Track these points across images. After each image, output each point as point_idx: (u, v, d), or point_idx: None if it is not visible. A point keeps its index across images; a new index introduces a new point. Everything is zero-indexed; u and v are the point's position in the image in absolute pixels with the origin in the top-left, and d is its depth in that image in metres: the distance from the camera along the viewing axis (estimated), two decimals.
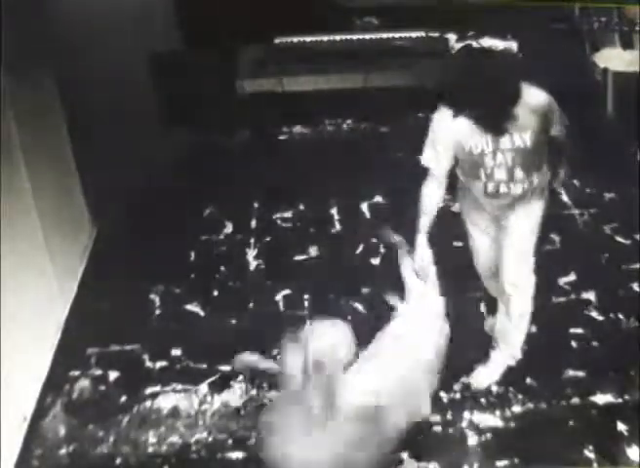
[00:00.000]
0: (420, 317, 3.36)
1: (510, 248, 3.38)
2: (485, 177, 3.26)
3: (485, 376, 3.56)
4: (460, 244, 4.30)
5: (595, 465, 3.16)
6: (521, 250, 3.38)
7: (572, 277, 4.22)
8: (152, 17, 5.90)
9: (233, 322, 4.02)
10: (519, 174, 3.24)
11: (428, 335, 3.28)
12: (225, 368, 3.69)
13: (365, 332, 3.86)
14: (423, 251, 3.36)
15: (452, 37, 6.14)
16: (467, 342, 3.77)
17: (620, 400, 3.45)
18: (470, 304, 4.01)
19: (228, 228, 4.83)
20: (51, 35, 4.22)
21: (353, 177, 5.23)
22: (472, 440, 3.30)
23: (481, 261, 3.61)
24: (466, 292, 4.03)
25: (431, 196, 3.31)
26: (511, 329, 3.50)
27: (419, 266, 3.39)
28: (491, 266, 3.56)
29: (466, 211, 3.54)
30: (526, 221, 3.37)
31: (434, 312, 3.40)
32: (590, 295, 4.08)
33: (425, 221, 3.34)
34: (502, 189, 3.28)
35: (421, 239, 3.34)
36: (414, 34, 6.22)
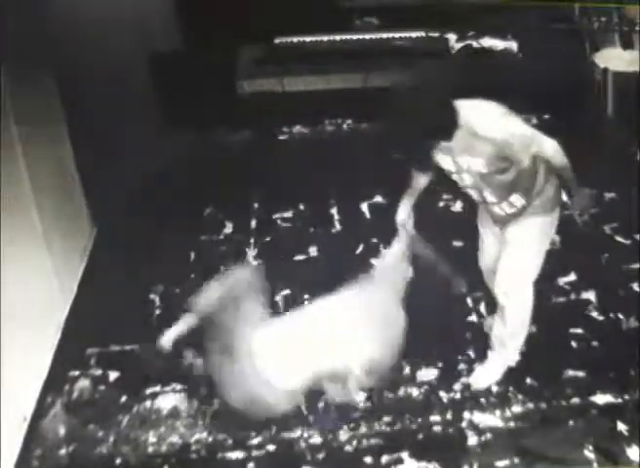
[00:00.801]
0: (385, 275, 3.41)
1: (507, 258, 3.36)
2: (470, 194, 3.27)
3: (484, 377, 3.56)
4: (460, 244, 4.31)
5: (595, 465, 3.16)
6: (517, 261, 3.34)
7: (572, 277, 4.22)
8: (152, 17, 5.91)
9: None
10: (497, 195, 3.19)
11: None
12: None
13: None
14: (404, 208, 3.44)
15: (452, 37, 6.15)
16: (466, 341, 3.79)
17: (619, 400, 3.45)
18: (472, 304, 4.02)
19: (228, 228, 4.83)
20: (51, 35, 4.22)
21: (353, 177, 5.23)
22: (472, 440, 3.30)
23: (484, 259, 3.61)
24: (467, 292, 4.04)
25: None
26: (506, 335, 3.49)
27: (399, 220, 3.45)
28: (492, 267, 3.56)
29: (479, 209, 3.51)
30: (526, 234, 3.31)
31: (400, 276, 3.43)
32: (590, 295, 4.08)
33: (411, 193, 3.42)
34: (493, 207, 3.27)
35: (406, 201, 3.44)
36: (414, 34, 6.23)
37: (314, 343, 3.15)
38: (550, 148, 3.14)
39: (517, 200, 3.23)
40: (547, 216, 3.32)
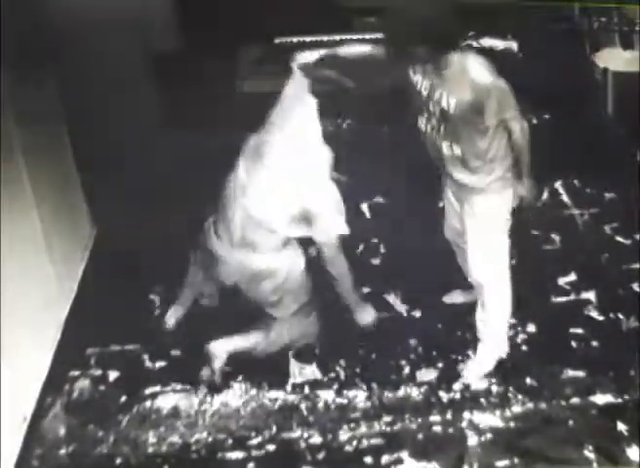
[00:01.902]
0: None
1: (474, 248, 3.44)
2: (426, 117, 3.30)
3: (475, 371, 3.58)
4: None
5: (595, 465, 3.17)
6: (486, 248, 3.43)
7: (572, 277, 4.22)
8: (152, 17, 5.90)
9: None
10: (449, 136, 3.26)
11: None
12: (225, 368, 3.70)
13: (365, 333, 3.89)
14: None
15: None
16: (466, 341, 3.79)
17: (619, 400, 3.46)
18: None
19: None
20: (51, 35, 4.22)
21: (353, 177, 5.22)
22: (472, 440, 3.31)
23: (448, 232, 3.71)
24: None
25: None
26: (489, 322, 3.55)
27: None
28: (455, 239, 3.66)
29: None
30: (487, 215, 3.39)
31: None
32: (590, 295, 4.08)
33: None
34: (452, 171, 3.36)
35: None
36: None
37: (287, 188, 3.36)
38: (519, 124, 3.24)
39: (475, 165, 3.29)
40: (505, 193, 3.38)
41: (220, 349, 3.59)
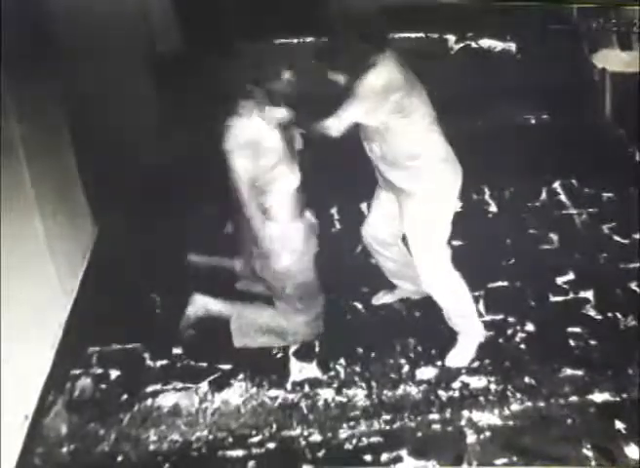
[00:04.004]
0: None
1: (417, 256, 3.55)
2: None
3: (458, 359, 3.67)
4: (460, 243, 4.33)
5: (593, 463, 3.18)
6: (427, 254, 3.52)
7: (570, 276, 4.24)
8: (152, 17, 5.91)
9: None
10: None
11: None
12: (226, 366, 3.72)
13: (365, 332, 3.91)
14: None
15: (451, 38, 6.16)
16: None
17: (617, 398, 3.48)
18: None
19: (229, 228, 4.83)
20: (51, 35, 4.23)
21: (353, 177, 5.24)
22: (471, 438, 3.32)
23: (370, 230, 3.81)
24: None
25: None
26: (453, 314, 3.66)
27: None
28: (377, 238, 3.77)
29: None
30: (420, 218, 3.48)
31: None
32: (588, 295, 4.10)
33: None
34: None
35: None
36: (413, 35, 6.24)
37: None
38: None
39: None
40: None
41: (202, 302, 3.81)
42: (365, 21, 3.34)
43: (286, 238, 3.59)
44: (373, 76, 3.23)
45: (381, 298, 4.09)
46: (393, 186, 3.53)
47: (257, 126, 3.45)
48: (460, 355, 3.68)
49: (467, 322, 3.69)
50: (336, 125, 3.31)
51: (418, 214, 3.47)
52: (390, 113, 3.28)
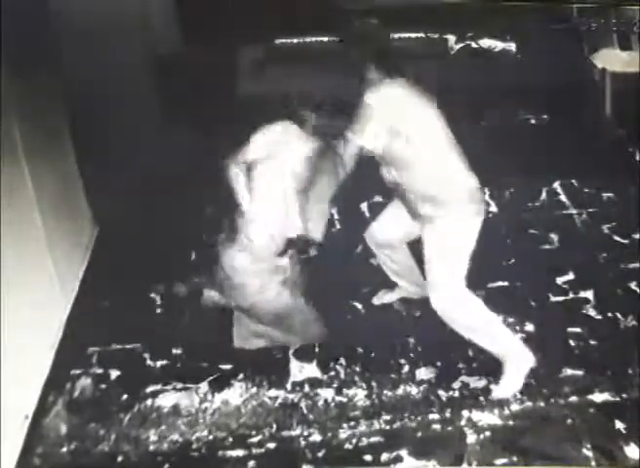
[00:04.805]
0: None
1: (431, 282, 3.41)
2: None
3: (507, 390, 3.50)
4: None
5: (593, 463, 3.18)
6: (443, 279, 3.39)
7: (570, 276, 4.24)
8: (152, 17, 5.91)
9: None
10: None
11: None
12: (226, 366, 3.72)
13: (365, 332, 3.91)
14: None
15: (451, 38, 6.16)
16: (465, 340, 3.80)
17: (617, 398, 3.48)
18: None
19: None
20: (52, 35, 4.23)
21: (353, 177, 5.23)
22: (471, 438, 3.32)
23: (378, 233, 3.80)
24: None
25: None
26: (489, 343, 3.48)
27: None
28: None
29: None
30: (438, 245, 3.38)
31: None
32: (588, 294, 4.10)
33: None
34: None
35: None
36: (413, 35, 6.24)
37: None
38: None
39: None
40: (461, 219, 3.39)
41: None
42: (384, 51, 3.36)
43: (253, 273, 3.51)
44: (370, 95, 3.23)
45: (382, 298, 4.08)
46: (412, 209, 3.46)
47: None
48: (509, 385, 3.50)
49: (507, 350, 3.50)
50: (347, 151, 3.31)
51: (435, 240, 3.38)
52: (389, 136, 3.24)
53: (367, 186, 5.10)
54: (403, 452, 3.27)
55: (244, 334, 3.75)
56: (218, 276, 3.61)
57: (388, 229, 3.75)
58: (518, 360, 3.50)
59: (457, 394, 3.54)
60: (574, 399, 3.48)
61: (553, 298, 4.10)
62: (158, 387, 3.65)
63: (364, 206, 4.99)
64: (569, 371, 3.62)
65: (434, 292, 3.41)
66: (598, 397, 3.48)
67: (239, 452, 3.32)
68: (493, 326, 3.47)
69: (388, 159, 3.36)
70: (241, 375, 3.67)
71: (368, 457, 3.27)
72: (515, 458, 3.22)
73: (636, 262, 4.29)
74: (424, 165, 3.32)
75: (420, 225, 3.46)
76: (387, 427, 3.40)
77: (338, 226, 4.85)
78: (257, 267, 3.47)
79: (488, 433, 3.34)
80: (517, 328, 3.88)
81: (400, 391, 3.58)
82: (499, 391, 3.51)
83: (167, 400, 3.59)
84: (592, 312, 3.99)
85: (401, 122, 3.25)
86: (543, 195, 5.02)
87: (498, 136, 5.46)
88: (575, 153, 5.17)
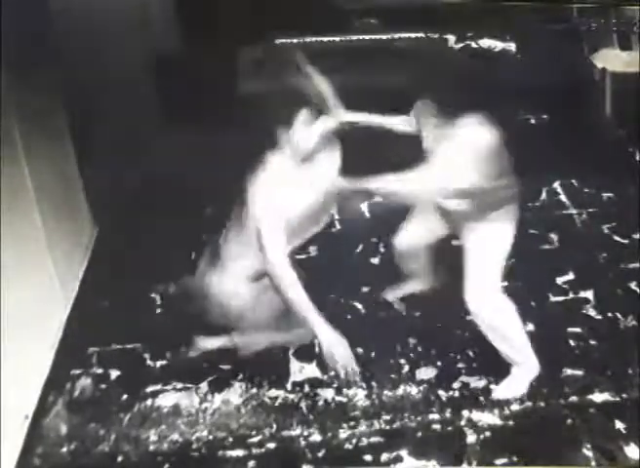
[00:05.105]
0: None
1: (471, 282, 3.39)
2: None
3: (509, 392, 3.51)
4: (459, 243, 4.32)
5: (593, 463, 3.18)
6: (483, 281, 3.38)
7: (570, 276, 4.24)
8: (152, 17, 5.91)
9: None
10: None
11: None
12: (226, 366, 3.72)
13: (365, 332, 3.90)
14: None
15: (451, 38, 6.16)
16: (465, 340, 3.81)
17: (618, 398, 3.47)
18: None
19: None
20: (52, 35, 4.23)
21: (353, 178, 5.23)
22: (471, 438, 3.32)
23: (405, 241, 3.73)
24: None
25: None
26: (505, 348, 3.48)
27: None
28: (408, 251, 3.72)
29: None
30: (487, 244, 3.38)
31: None
32: (588, 294, 4.10)
33: None
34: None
35: None
36: (413, 35, 6.25)
37: None
38: None
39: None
40: (507, 223, 3.40)
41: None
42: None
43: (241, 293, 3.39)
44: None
45: (392, 293, 4.07)
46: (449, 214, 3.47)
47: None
48: (513, 387, 3.51)
49: (520, 354, 3.50)
50: None
51: (476, 244, 3.40)
52: None
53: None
54: (403, 452, 3.26)
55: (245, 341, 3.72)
56: (206, 308, 3.45)
57: (416, 236, 3.73)
58: (528, 367, 3.52)
59: (457, 394, 3.54)
60: (574, 399, 3.48)
61: (553, 298, 4.10)
62: (158, 387, 3.65)
63: (364, 206, 4.99)
64: (569, 371, 3.62)
65: (473, 294, 3.39)
66: (598, 397, 3.48)
67: (239, 452, 3.32)
68: (516, 331, 3.47)
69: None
70: (241, 375, 3.67)
71: (368, 457, 3.27)
72: (515, 458, 3.22)
73: (636, 262, 4.29)
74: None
75: (458, 229, 3.47)
76: (387, 427, 3.40)
77: (338, 226, 4.84)
78: (243, 288, 3.39)
79: (488, 433, 3.34)
80: None
81: (400, 391, 3.58)
82: (499, 392, 3.51)
83: (167, 400, 3.58)
84: (592, 312, 3.99)
85: None
86: (543, 195, 5.02)
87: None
88: (575, 153, 5.17)
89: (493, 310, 3.40)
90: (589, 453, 3.21)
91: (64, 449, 3.37)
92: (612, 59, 5.59)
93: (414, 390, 3.58)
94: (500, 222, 3.39)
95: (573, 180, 5.12)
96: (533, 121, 5.92)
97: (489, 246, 3.39)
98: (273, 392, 3.60)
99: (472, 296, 3.39)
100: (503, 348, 3.47)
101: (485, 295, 3.39)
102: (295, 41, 6.29)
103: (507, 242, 3.42)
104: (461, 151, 3.11)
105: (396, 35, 6.28)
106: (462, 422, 3.39)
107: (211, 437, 3.40)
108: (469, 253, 3.43)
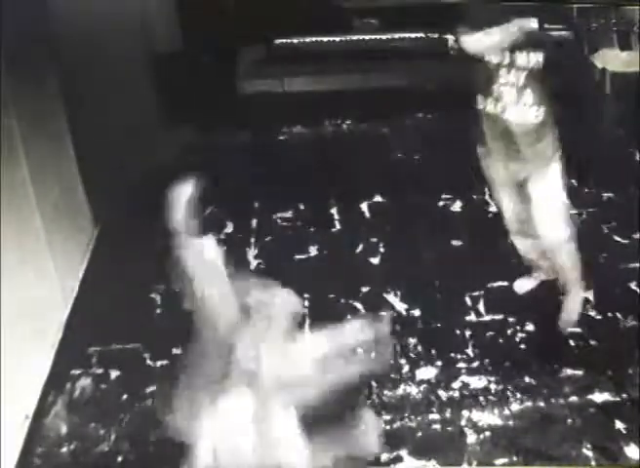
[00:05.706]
0: None
1: (541, 221, 3.66)
2: (495, 95, 3.58)
3: (571, 317, 3.80)
4: (459, 243, 4.33)
5: (593, 463, 3.18)
6: (550, 216, 3.65)
7: None
8: (153, 16, 5.91)
9: None
10: (528, 97, 3.56)
11: None
12: None
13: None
14: None
15: (451, 38, 6.16)
16: (465, 340, 3.81)
17: (618, 398, 3.47)
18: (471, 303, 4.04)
19: (229, 228, 4.84)
20: (52, 35, 4.24)
21: (353, 177, 5.24)
22: (471, 438, 3.32)
23: (508, 219, 3.87)
24: (466, 291, 4.07)
25: None
26: (568, 272, 3.84)
27: None
28: (518, 225, 3.82)
29: (492, 171, 3.75)
30: (547, 187, 3.61)
31: None
32: (589, 294, 4.10)
33: None
34: (509, 114, 3.54)
35: None
36: (413, 35, 6.25)
37: None
38: None
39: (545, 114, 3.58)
40: (558, 163, 3.68)
41: None
42: None
43: None
44: None
45: (524, 286, 4.11)
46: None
47: None
48: (573, 313, 3.80)
49: (576, 278, 3.83)
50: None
51: (546, 184, 3.64)
52: None
53: (367, 186, 5.13)
54: (403, 452, 3.26)
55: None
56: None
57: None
58: (579, 289, 3.83)
59: (456, 394, 3.54)
60: (574, 399, 3.48)
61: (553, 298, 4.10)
62: None
63: (364, 206, 4.99)
64: (569, 371, 3.61)
65: (554, 232, 3.69)
66: (598, 397, 3.48)
67: None
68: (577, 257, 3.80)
69: None
70: None
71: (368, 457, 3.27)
72: (515, 458, 3.22)
73: (636, 262, 4.29)
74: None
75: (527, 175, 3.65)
76: (387, 427, 3.40)
77: (338, 226, 4.84)
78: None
79: (488, 433, 3.34)
80: (517, 327, 3.88)
81: (400, 391, 3.57)
82: (563, 318, 3.79)
83: None
84: (592, 312, 3.99)
85: None
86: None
87: None
88: (575, 153, 5.16)
89: (568, 243, 3.72)
90: (589, 453, 3.22)
91: (64, 449, 3.37)
92: (612, 59, 5.59)
93: (414, 390, 3.58)
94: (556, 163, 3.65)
95: (573, 180, 5.11)
96: None
97: (557, 185, 3.65)
98: None
99: (554, 234, 3.69)
100: (566, 269, 3.79)
101: (565, 232, 3.71)
102: (295, 41, 6.29)
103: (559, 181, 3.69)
104: None
105: (396, 35, 6.28)
106: (462, 422, 3.39)
107: None
108: (536, 207, 3.64)
